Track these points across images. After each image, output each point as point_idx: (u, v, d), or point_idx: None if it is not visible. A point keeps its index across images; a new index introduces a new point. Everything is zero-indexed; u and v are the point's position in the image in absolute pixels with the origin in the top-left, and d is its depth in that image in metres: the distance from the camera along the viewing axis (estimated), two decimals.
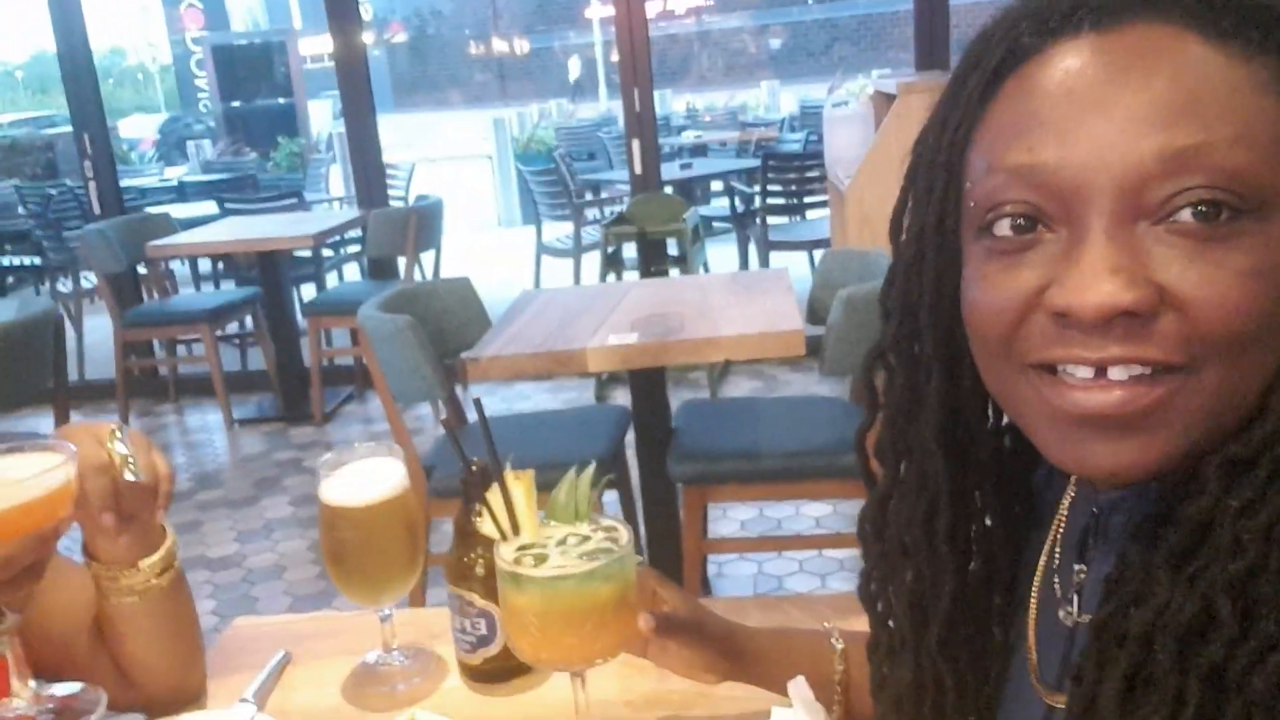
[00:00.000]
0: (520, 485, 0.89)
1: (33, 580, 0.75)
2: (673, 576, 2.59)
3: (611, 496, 2.93)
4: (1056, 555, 0.64)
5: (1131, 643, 0.50)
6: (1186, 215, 0.48)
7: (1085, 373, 0.51)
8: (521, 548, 0.87)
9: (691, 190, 7.11)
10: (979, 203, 0.54)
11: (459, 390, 3.06)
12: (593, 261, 5.23)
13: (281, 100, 14.35)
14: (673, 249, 4.96)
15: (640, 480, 2.74)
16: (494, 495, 0.88)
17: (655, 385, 2.68)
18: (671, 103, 14.31)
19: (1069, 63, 0.51)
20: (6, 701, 0.79)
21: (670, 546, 2.62)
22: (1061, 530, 0.64)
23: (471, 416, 3.06)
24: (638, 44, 4.64)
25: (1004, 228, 0.52)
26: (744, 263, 6.36)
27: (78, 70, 5.22)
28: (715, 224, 6.85)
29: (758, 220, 6.08)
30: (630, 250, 5.09)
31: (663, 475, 2.54)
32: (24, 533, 0.71)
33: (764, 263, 5.95)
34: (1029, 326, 0.52)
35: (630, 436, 2.75)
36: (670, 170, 6.60)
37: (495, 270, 7.64)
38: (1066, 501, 0.65)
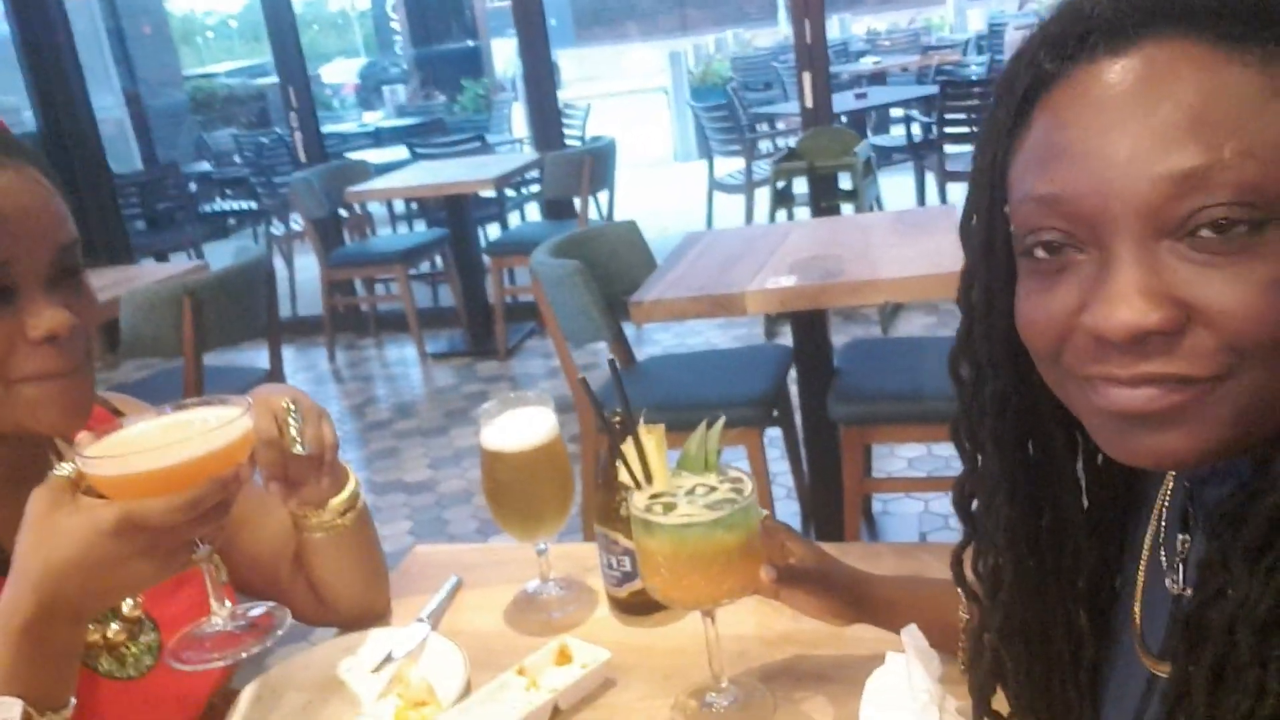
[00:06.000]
0: (652, 438, 0.96)
1: (219, 517, 0.82)
2: (833, 514, 2.65)
3: (775, 433, 2.98)
4: (1163, 527, 0.66)
5: (1215, 634, 0.52)
6: (1207, 231, 0.49)
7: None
8: (653, 496, 0.95)
9: (865, 121, 6.88)
10: (1017, 228, 0.57)
11: (627, 330, 3.16)
12: (765, 197, 5.19)
13: (469, 43, 14.77)
14: (845, 183, 4.87)
15: (802, 419, 2.78)
16: (628, 447, 0.96)
17: (816, 326, 2.69)
18: (852, 26, 13.79)
19: (1086, 91, 0.53)
20: (206, 619, 0.90)
21: (832, 484, 2.65)
22: (1167, 503, 0.66)
23: (639, 355, 3.16)
24: None
25: (1040, 251, 0.56)
26: (920, 194, 6.14)
27: (281, 28, 5.58)
28: (894, 155, 6.63)
29: (936, 150, 5.85)
30: (801, 185, 5.03)
31: (824, 415, 2.57)
32: (208, 476, 0.78)
33: (942, 194, 5.73)
34: (1072, 342, 0.55)
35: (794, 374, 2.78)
36: (843, 101, 6.41)
37: (669, 206, 7.71)
38: (1170, 475, 0.66)
